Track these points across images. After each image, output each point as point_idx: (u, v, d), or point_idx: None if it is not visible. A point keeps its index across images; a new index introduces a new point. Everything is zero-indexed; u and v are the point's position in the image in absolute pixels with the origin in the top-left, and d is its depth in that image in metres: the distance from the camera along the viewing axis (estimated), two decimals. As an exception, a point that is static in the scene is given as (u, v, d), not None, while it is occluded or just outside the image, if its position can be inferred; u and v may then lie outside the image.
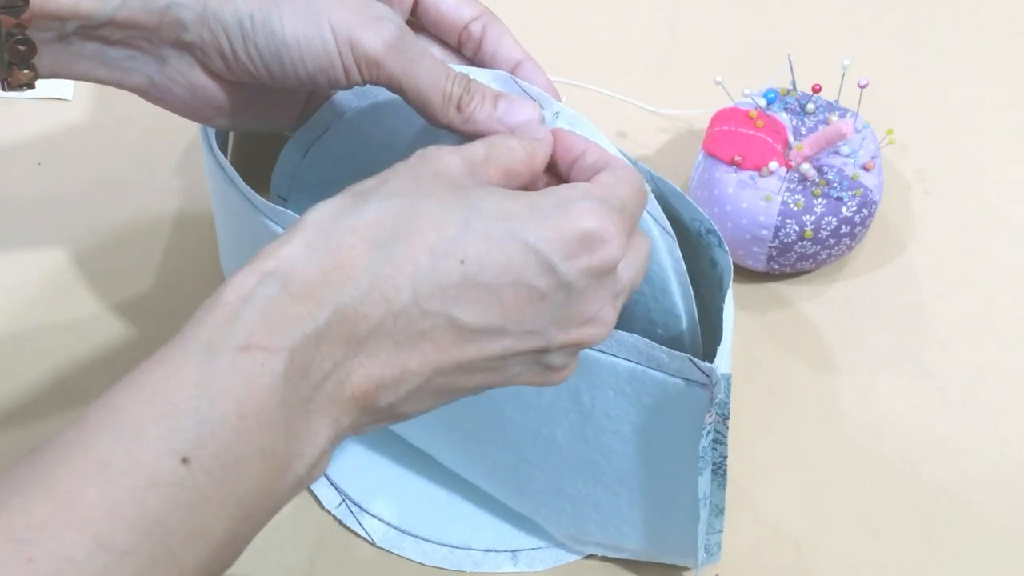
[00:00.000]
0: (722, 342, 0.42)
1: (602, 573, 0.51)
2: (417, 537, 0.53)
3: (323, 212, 0.33)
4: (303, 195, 0.51)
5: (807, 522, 0.52)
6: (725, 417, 0.42)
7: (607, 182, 0.37)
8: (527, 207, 0.34)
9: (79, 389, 0.59)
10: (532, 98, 0.41)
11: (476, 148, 0.37)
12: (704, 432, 0.42)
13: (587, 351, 0.41)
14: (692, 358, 0.40)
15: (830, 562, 0.51)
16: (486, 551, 0.52)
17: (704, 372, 0.40)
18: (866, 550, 0.51)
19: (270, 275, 0.31)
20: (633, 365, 0.42)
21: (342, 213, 0.33)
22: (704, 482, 0.44)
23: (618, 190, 0.36)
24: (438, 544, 0.52)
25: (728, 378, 0.41)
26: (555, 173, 0.39)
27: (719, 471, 0.45)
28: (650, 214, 0.41)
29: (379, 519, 0.53)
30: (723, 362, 0.42)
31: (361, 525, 0.53)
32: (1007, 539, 0.51)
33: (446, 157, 0.35)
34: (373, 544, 0.53)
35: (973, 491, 0.52)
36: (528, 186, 0.38)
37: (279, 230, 0.44)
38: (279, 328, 0.30)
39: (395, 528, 0.53)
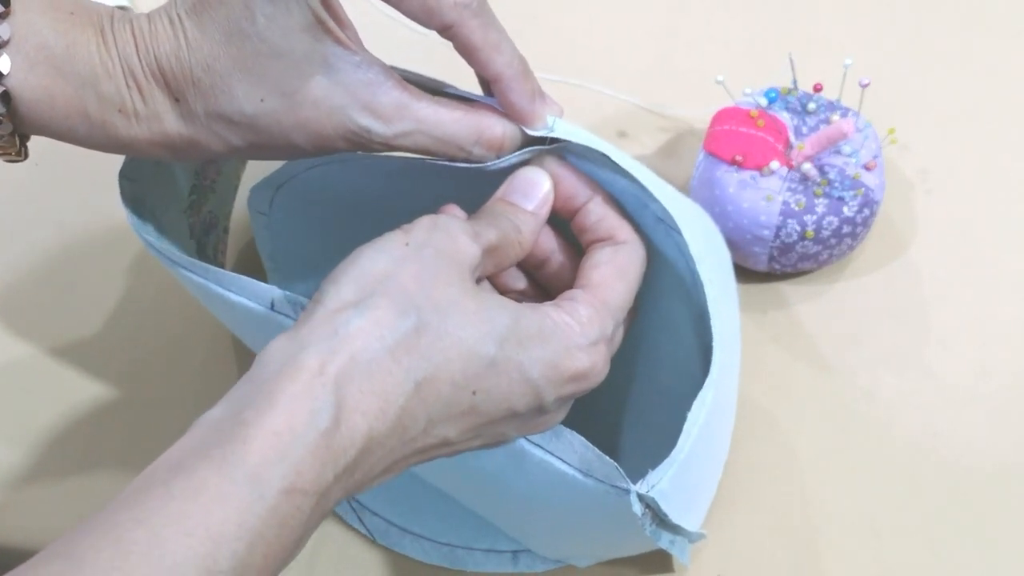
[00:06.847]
0: (676, 446, 0.40)
1: (602, 573, 0.51)
2: (418, 535, 0.53)
3: (367, 323, 0.34)
4: (282, 213, 0.53)
5: (807, 522, 0.52)
6: (663, 520, 0.41)
7: (605, 287, 0.40)
8: (537, 335, 0.37)
9: (79, 388, 0.60)
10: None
11: (490, 235, 0.39)
12: (640, 524, 0.40)
13: (524, 445, 0.40)
14: (619, 468, 0.39)
15: (830, 562, 0.51)
16: (487, 551, 0.52)
17: (623, 489, 0.39)
18: (866, 550, 0.51)
19: (320, 404, 0.33)
20: (564, 466, 0.40)
21: (384, 329, 0.34)
22: (653, 536, 0.42)
23: (617, 297, 0.40)
24: (439, 543, 0.52)
25: (652, 500, 0.39)
26: (556, 211, 0.42)
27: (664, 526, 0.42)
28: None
29: (380, 516, 0.53)
30: (667, 474, 0.40)
31: (362, 522, 0.53)
32: (1008, 539, 0.51)
33: (467, 248, 0.37)
34: (374, 541, 0.53)
35: (974, 491, 0.52)
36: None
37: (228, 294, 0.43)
38: (320, 466, 0.32)
39: (396, 526, 0.53)
